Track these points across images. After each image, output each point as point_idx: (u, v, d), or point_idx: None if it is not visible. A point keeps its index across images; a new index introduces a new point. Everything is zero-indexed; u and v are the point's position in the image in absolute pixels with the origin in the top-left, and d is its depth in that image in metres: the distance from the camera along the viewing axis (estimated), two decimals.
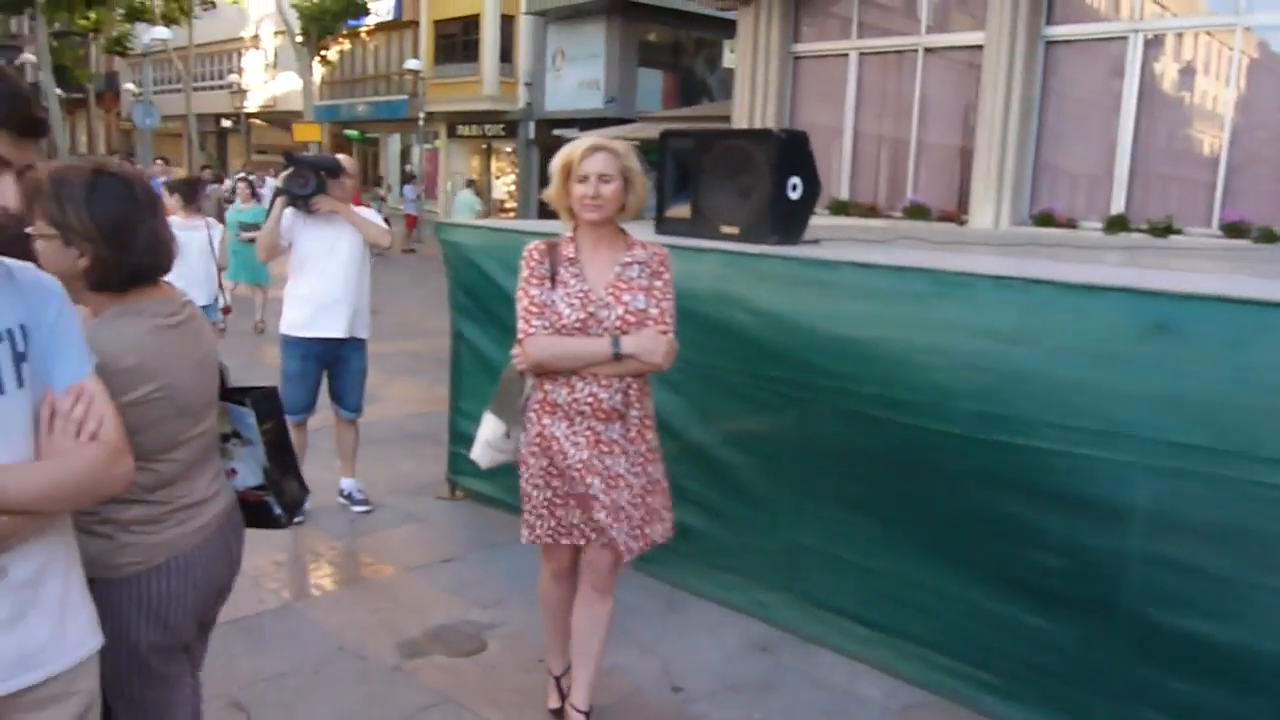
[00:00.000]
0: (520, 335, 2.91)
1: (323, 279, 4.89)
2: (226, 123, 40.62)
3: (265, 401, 2.39)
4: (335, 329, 4.92)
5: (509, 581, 4.33)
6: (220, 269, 7.06)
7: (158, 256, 2.05)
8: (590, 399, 2.90)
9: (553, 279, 2.92)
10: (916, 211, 10.58)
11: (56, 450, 1.62)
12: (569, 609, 3.24)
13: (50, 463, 1.61)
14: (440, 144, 31.89)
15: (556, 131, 23.24)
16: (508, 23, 28.48)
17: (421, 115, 29.11)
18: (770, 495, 4.01)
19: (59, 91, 31.20)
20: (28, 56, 35.63)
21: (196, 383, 2.13)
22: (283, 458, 2.43)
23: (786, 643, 3.88)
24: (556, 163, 2.94)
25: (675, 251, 4.05)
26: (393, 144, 35.29)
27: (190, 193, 7.07)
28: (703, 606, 4.16)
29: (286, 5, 29.75)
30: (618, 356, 2.85)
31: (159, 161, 22.34)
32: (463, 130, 30.89)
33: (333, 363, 5.04)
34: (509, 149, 29.74)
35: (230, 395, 2.35)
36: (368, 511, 5.17)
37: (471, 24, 29.26)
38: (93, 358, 1.72)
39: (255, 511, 2.41)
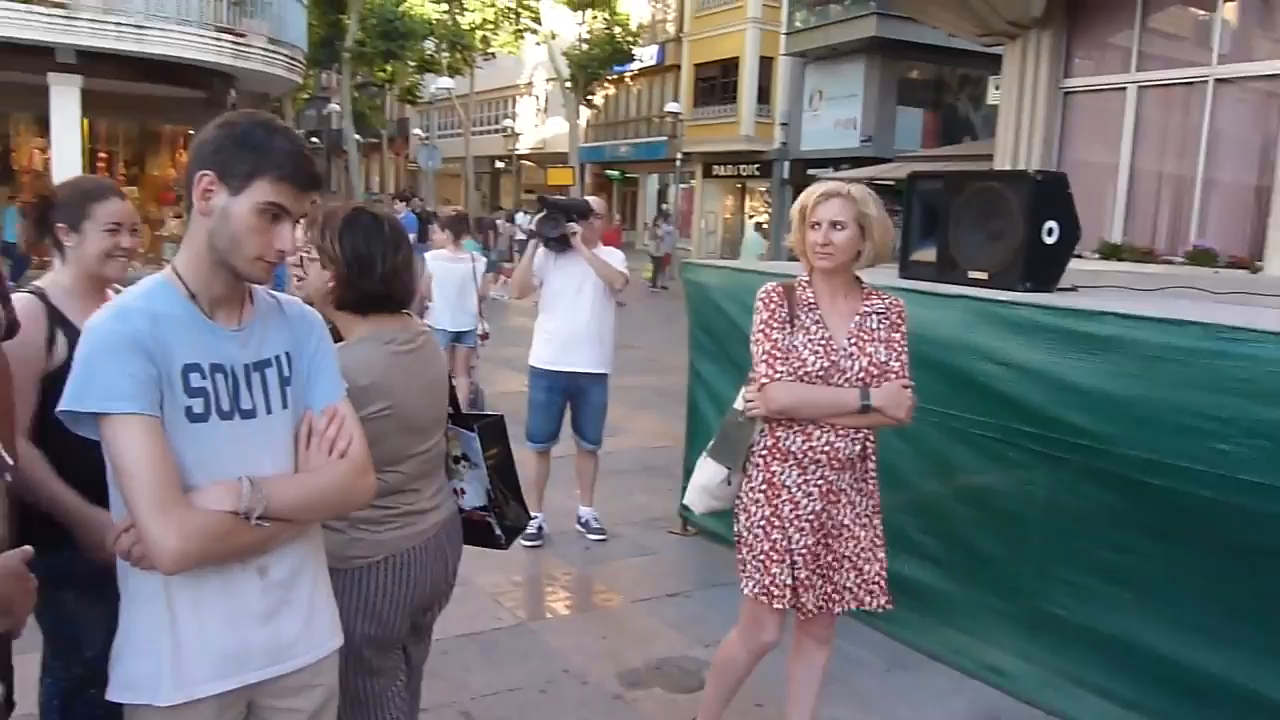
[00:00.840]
0: (761, 379, 2.82)
1: (569, 315, 5.12)
2: (500, 164, 43.51)
3: (491, 430, 2.55)
4: (579, 363, 5.15)
5: (733, 622, 4.30)
6: (481, 299, 7.55)
7: (392, 287, 2.27)
8: (827, 448, 2.82)
9: (791, 323, 2.84)
10: (1201, 257, 9.68)
11: (311, 465, 1.79)
12: (746, 676, 3.12)
13: (307, 475, 1.79)
14: (695, 183, 32.65)
15: (811, 171, 23.19)
16: (766, 64, 28.83)
17: (679, 156, 29.94)
18: (1011, 556, 3.77)
19: (357, 137, 34.64)
20: (334, 106, 39.81)
21: (424, 404, 2.32)
22: (506, 483, 2.58)
23: (1021, 715, 3.62)
24: (795, 207, 2.91)
25: (918, 296, 3.95)
26: (650, 184, 36.49)
27: (458, 229, 7.63)
28: (929, 667, 3.97)
29: (558, 54, 31.60)
30: (865, 409, 2.77)
31: (445, 201, 24.27)
32: (718, 170, 31.48)
33: (575, 395, 5.24)
34: (763, 188, 30.00)
35: (462, 421, 2.53)
36: (602, 540, 5.31)
37: (731, 66, 29.86)
38: (344, 383, 1.89)
39: (478, 531, 2.57)
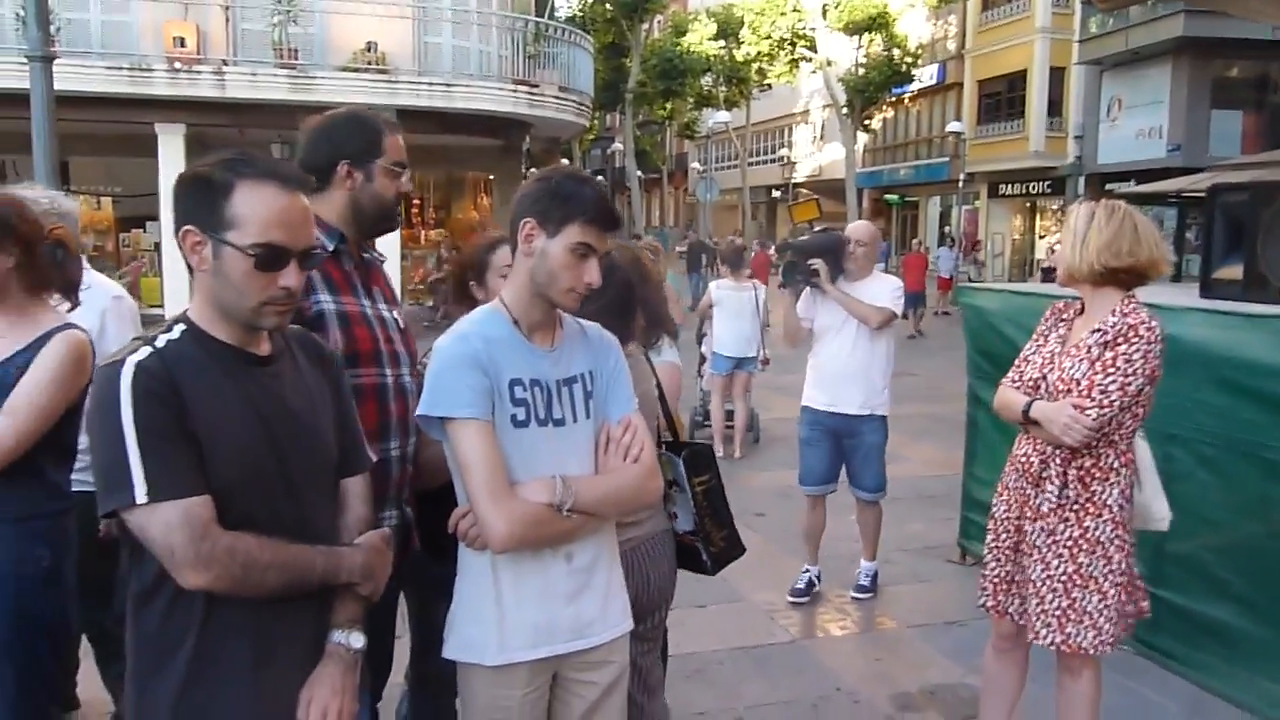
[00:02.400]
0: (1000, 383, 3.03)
1: (832, 354, 4.80)
2: (776, 193, 43.90)
3: (697, 457, 2.63)
4: (843, 403, 4.78)
5: None
6: (765, 326, 7.77)
7: (627, 326, 2.48)
8: (1023, 457, 2.94)
9: (1046, 336, 2.97)
10: None
11: (609, 468, 2.04)
12: (1011, 688, 3.13)
13: (608, 476, 2.04)
14: (980, 204, 31.36)
15: (1110, 185, 21.66)
16: (1057, 75, 27.30)
17: (962, 176, 28.91)
18: None
19: (639, 173, 36.22)
20: (617, 145, 41.85)
21: None
22: (714, 511, 2.64)
23: None
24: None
25: (1222, 317, 3.69)
26: (932, 206, 35.43)
27: (737, 260, 7.96)
28: (1232, 715, 3.64)
29: (834, 80, 31.51)
30: (1026, 417, 2.83)
31: (737, 233, 24.86)
32: (1005, 189, 30.07)
33: (846, 436, 4.84)
34: (1055, 206, 28.31)
35: (674, 447, 2.63)
36: (868, 597, 4.94)
37: (1018, 80, 28.52)
38: (635, 398, 2.11)
39: (688, 555, 2.64)
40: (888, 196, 37.06)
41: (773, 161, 42.67)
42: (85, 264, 3.27)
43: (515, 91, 16.88)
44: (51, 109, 7.94)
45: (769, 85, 37.25)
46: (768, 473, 7.33)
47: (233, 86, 14.96)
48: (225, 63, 15.18)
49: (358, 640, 1.79)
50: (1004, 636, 3.10)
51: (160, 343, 1.64)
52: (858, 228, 5.02)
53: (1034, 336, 3.03)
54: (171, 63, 14.73)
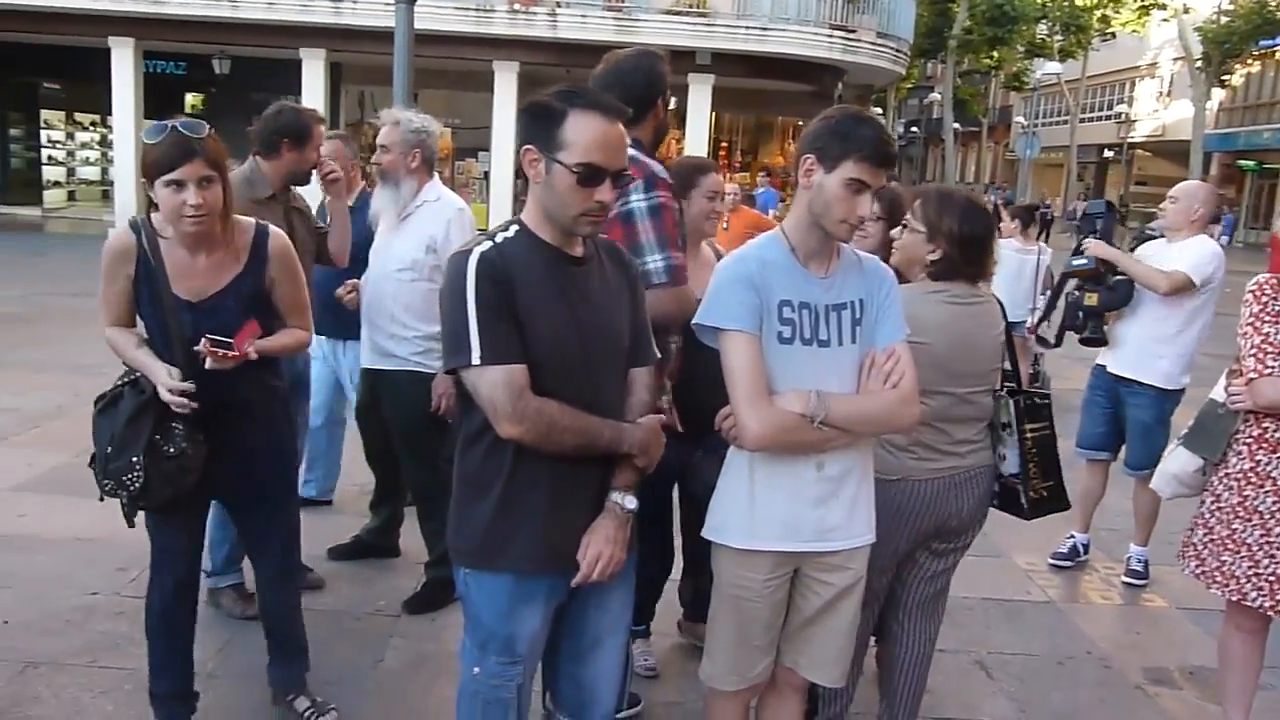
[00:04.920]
0: (1249, 374, 2.83)
1: (1127, 317, 4.55)
2: (1108, 153, 40.51)
3: (1035, 407, 2.79)
4: (1123, 366, 4.53)
5: None
6: (1044, 293, 7.41)
7: (984, 266, 2.68)
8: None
9: None
10: None
11: (868, 391, 2.24)
12: (1250, 666, 3.05)
13: (863, 397, 2.24)
14: None
15: None
16: None
17: None
18: None
19: (956, 125, 34.62)
20: (935, 95, 40.15)
21: (961, 353, 2.62)
22: (1042, 460, 2.79)
23: None
24: None
25: None
26: None
27: (1028, 218, 7.63)
28: None
29: (1189, 29, 28.45)
30: None
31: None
32: None
33: (1121, 404, 4.59)
34: None
35: (1014, 393, 2.79)
36: (1141, 585, 4.66)
37: None
38: (905, 328, 2.29)
39: (1007, 496, 2.81)
40: (1242, 162, 33.19)
41: (1108, 118, 39.33)
42: (437, 180, 3.86)
43: (831, 37, 16.77)
44: (410, 46, 8.95)
45: (1112, 34, 34.26)
46: None
47: (564, 27, 15.97)
48: (559, 5, 16.19)
49: (631, 502, 2.12)
50: (1250, 622, 3.05)
51: (499, 238, 2.04)
52: (1187, 187, 4.61)
53: (1260, 315, 2.85)
54: (511, 4, 15.94)
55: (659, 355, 2.34)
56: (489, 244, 2.02)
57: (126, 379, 2.57)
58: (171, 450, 2.49)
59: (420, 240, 3.69)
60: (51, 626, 3.55)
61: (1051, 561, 4.77)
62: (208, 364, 2.44)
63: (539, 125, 1.99)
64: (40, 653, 3.36)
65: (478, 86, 17.13)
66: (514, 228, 2.07)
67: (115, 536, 4.26)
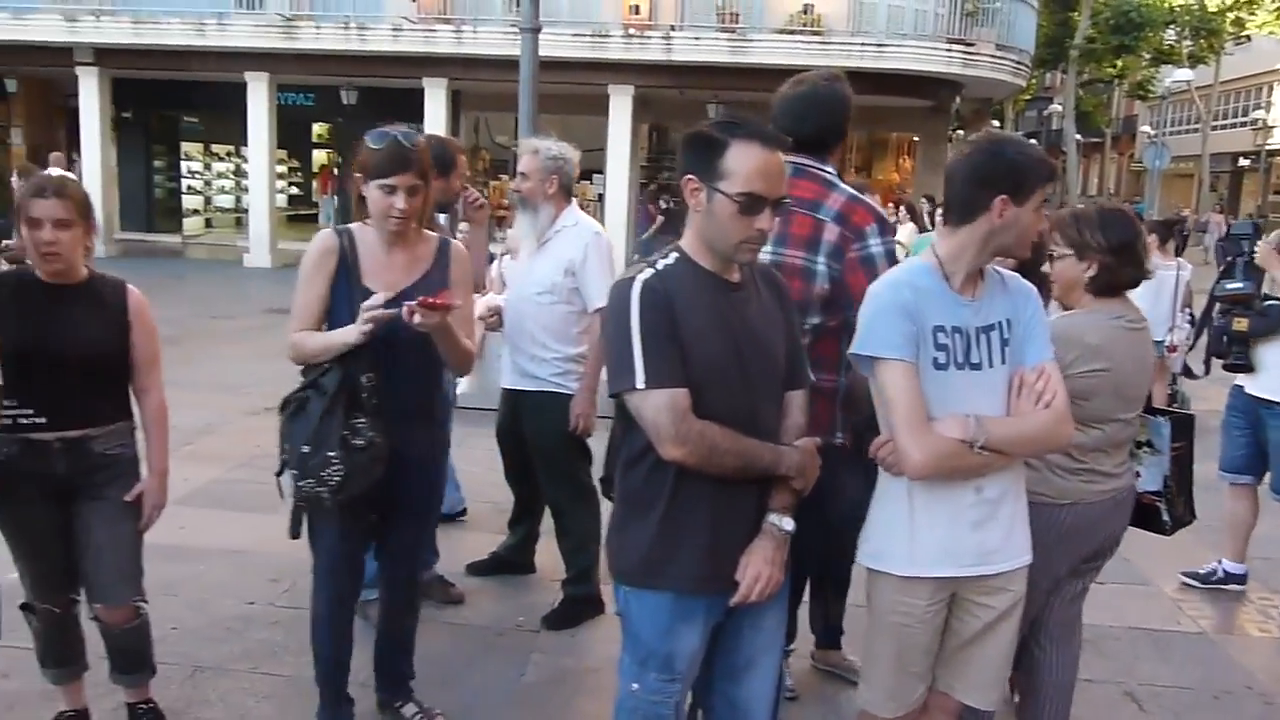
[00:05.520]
0: None
1: (1275, 337, 4.35)
2: (1244, 162, 38.62)
3: (1182, 424, 2.81)
4: (1255, 386, 4.40)
5: None
6: (1184, 308, 7.12)
7: (1142, 265, 2.67)
8: None
9: None
10: None
11: (1020, 411, 2.22)
12: None
13: (1018, 419, 2.22)
14: None
15: None
16: None
17: None
18: None
19: (1078, 136, 33.50)
20: (1055, 106, 38.97)
21: (1134, 378, 2.63)
22: (1182, 476, 2.81)
23: None
24: None
25: None
26: None
27: (1166, 233, 7.34)
28: None
29: None
30: None
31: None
32: None
33: (1261, 427, 4.40)
34: None
35: (1153, 411, 2.79)
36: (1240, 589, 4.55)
37: None
38: (1051, 346, 2.27)
39: (1146, 513, 2.81)
40: None
41: (1243, 125, 37.51)
42: (575, 206, 3.97)
43: (949, 51, 16.50)
44: (535, 73, 9.20)
45: (1247, 37, 32.70)
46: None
47: (678, 49, 16.11)
48: (673, 27, 16.36)
49: (788, 524, 2.15)
50: None
51: (660, 265, 2.10)
52: None
53: None
54: (626, 29, 16.18)
55: (812, 379, 2.36)
56: (650, 271, 2.08)
57: (308, 384, 2.72)
58: (361, 443, 2.63)
59: (559, 264, 3.79)
60: (214, 634, 3.75)
61: (1184, 578, 4.61)
62: (416, 319, 2.55)
63: (700, 155, 2.05)
64: (206, 658, 3.55)
65: (592, 110, 17.42)
66: (673, 255, 2.13)
67: (266, 549, 4.53)
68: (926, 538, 2.23)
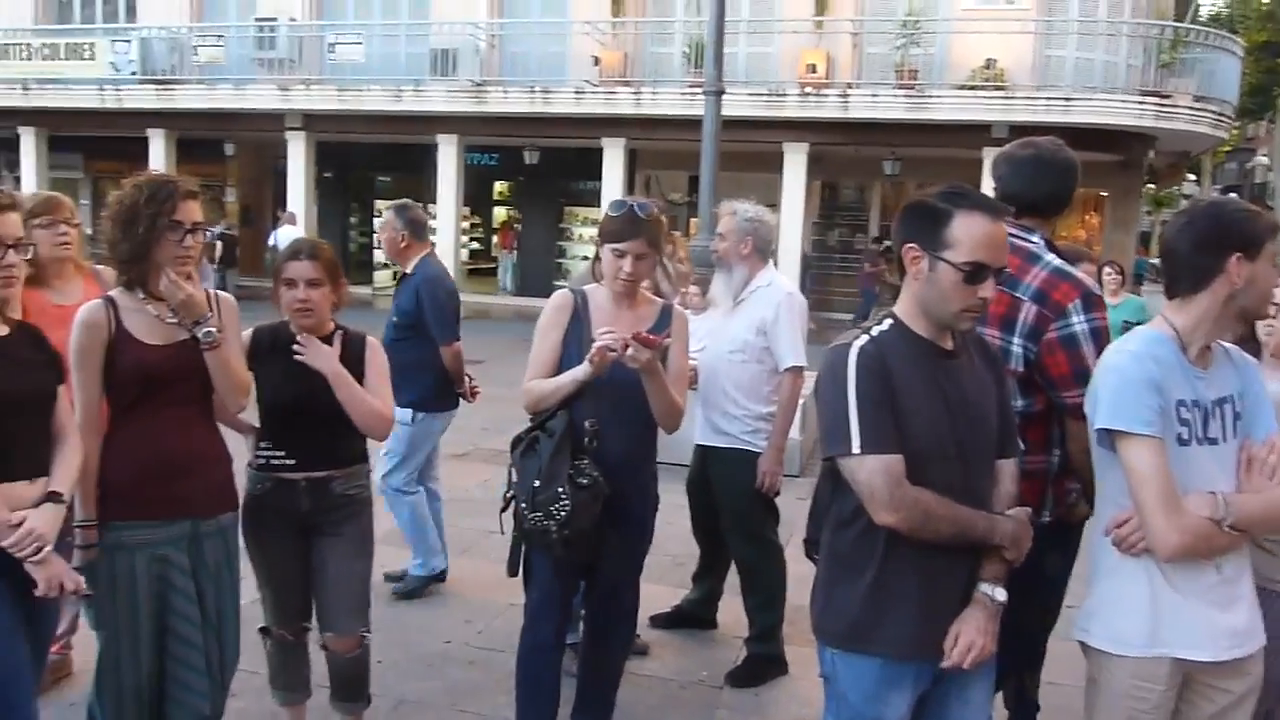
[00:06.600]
0: None
1: None
2: None
3: None
4: None
5: None
6: None
7: None
8: None
9: None
10: None
11: (1254, 487, 2.13)
12: None
13: (1260, 496, 2.12)
14: None
15: None
16: None
17: None
18: None
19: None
20: (1260, 159, 36.59)
21: None
22: None
23: None
24: None
25: None
26: None
27: None
28: None
29: None
30: None
31: None
32: None
33: None
34: None
35: None
36: None
37: None
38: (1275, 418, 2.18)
39: None
40: None
41: None
42: (770, 267, 4.04)
43: (1142, 103, 15.80)
44: (717, 133, 9.42)
45: None
46: None
47: (855, 107, 16.08)
48: (849, 85, 16.36)
49: (1001, 594, 2.12)
50: None
51: (875, 332, 2.13)
52: None
53: None
54: (802, 87, 16.29)
55: (1024, 448, 2.33)
56: (866, 338, 2.11)
57: (536, 427, 2.92)
58: (585, 481, 2.81)
59: (752, 323, 3.87)
60: (415, 669, 3.95)
61: None
62: (630, 351, 2.72)
63: (921, 224, 2.08)
64: (409, 692, 3.74)
65: (765, 167, 17.54)
66: (888, 321, 2.16)
67: (460, 590, 4.75)
68: (1173, 619, 2.13)
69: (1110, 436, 2.13)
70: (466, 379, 4.65)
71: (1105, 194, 18.89)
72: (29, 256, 2.57)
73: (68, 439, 2.48)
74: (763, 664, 3.94)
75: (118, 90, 19.04)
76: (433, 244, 4.77)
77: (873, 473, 2.03)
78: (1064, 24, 16.48)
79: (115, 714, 2.63)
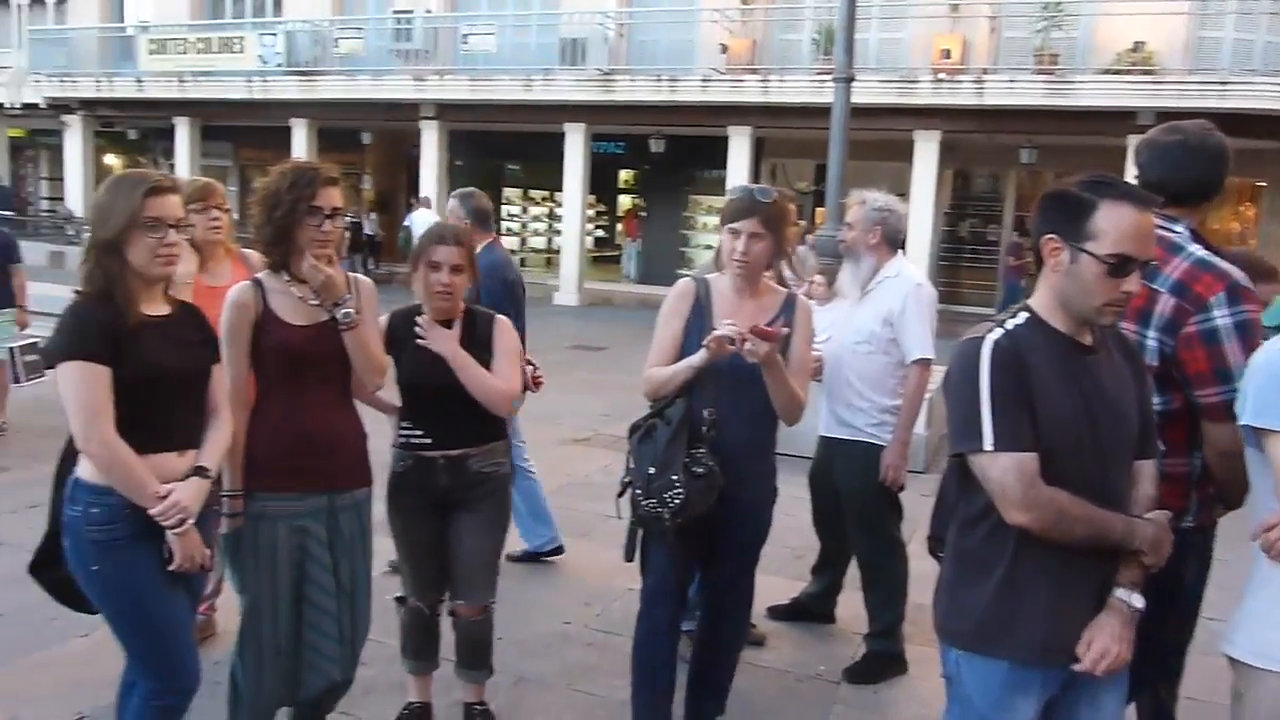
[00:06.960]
0: None
1: None
2: None
3: None
4: None
5: None
6: None
7: None
8: None
9: None
10: None
11: None
12: None
13: None
14: None
15: None
16: None
17: None
18: None
19: None
20: None
21: None
22: None
23: None
24: None
25: None
26: None
27: None
28: None
29: None
30: None
31: None
32: None
33: None
34: None
35: None
36: None
37: None
38: None
39: None
40: None
41: None
42: (900, 256, 3.95)
43: None
44: (846, 121, 9.25)
45: None
46: None
47: (990, 93, 15.52)
48: (985, 71, 15.81)
49: (1138, 601, 2.03)
50: None
51: (1010, 325, 2.06)
52: None
53: None
54: (935, 73, 15.82)
55: (1163, 449, 2.22)
56: (1000, 331, 2.04)
57: (655, 414, 2.95)
58: (701, 470, 2.82)
59: (878, 314, 3.80)
60: (535, 648, 4.03)
61: None
62: (748, 345, 2.71)
63: (1063, 215, 2.00)
64: (528, 670, 3.82)
65: (894, 156, 17.12)
66: (1023, 314, 2.09)
67: (578, 573, 4.83)
68: None
69: (1257, 434, 2.02)
70: (529, 367, 4.54)
71: (1262, 184, 17.79)
72: (189, 238, 2.73)
73: (220, 415, 2.60)
74: (882, 661, 3.88)
75: (265, 81, 19.93)
76: (497, 233, 4.77)
77: (1005, 471, 1.96)
78: (1220, 4, 15.53)
79: (256, 673, 2.77)
